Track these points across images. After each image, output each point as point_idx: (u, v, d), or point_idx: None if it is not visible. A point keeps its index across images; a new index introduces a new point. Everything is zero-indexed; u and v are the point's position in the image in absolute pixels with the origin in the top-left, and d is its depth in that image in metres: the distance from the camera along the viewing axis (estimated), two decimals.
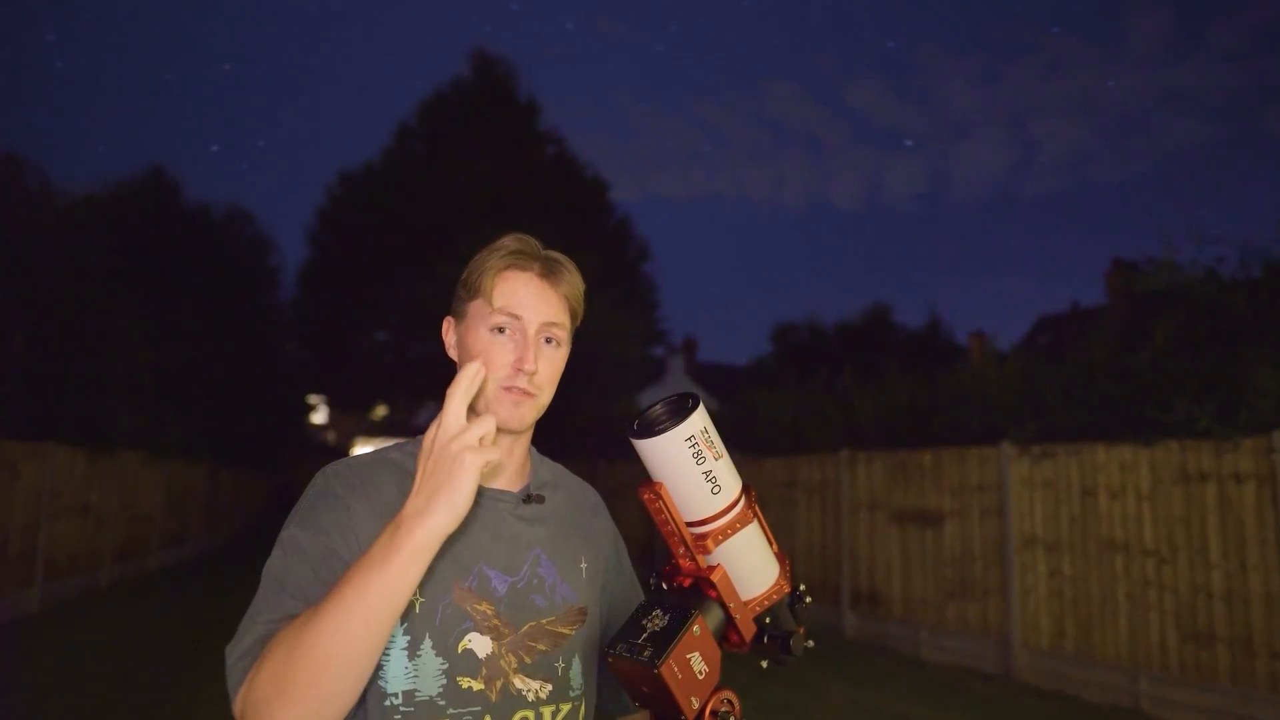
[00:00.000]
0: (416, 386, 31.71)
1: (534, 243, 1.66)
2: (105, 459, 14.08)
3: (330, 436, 55.64)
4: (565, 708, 1.58)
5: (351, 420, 52.02)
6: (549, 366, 1.61)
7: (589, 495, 1.88)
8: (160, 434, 16.90)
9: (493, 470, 1.64)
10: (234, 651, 1.36)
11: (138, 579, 15.69)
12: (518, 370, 1.56)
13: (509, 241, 1.64)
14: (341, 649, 1.24)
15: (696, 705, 1.36)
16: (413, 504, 1.27)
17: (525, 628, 1.56)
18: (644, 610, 1.45)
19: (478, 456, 1.25)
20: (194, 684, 8.14)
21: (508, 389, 1.56)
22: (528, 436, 1.71)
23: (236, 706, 1.31)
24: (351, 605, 1.24)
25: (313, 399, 39.11)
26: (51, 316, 12.85)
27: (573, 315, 1.67)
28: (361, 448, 48.76)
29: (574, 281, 1.66)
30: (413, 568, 1.26)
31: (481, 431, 1.28)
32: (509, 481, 1.68)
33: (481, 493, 1.61)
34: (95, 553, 13.98)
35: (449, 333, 1.69)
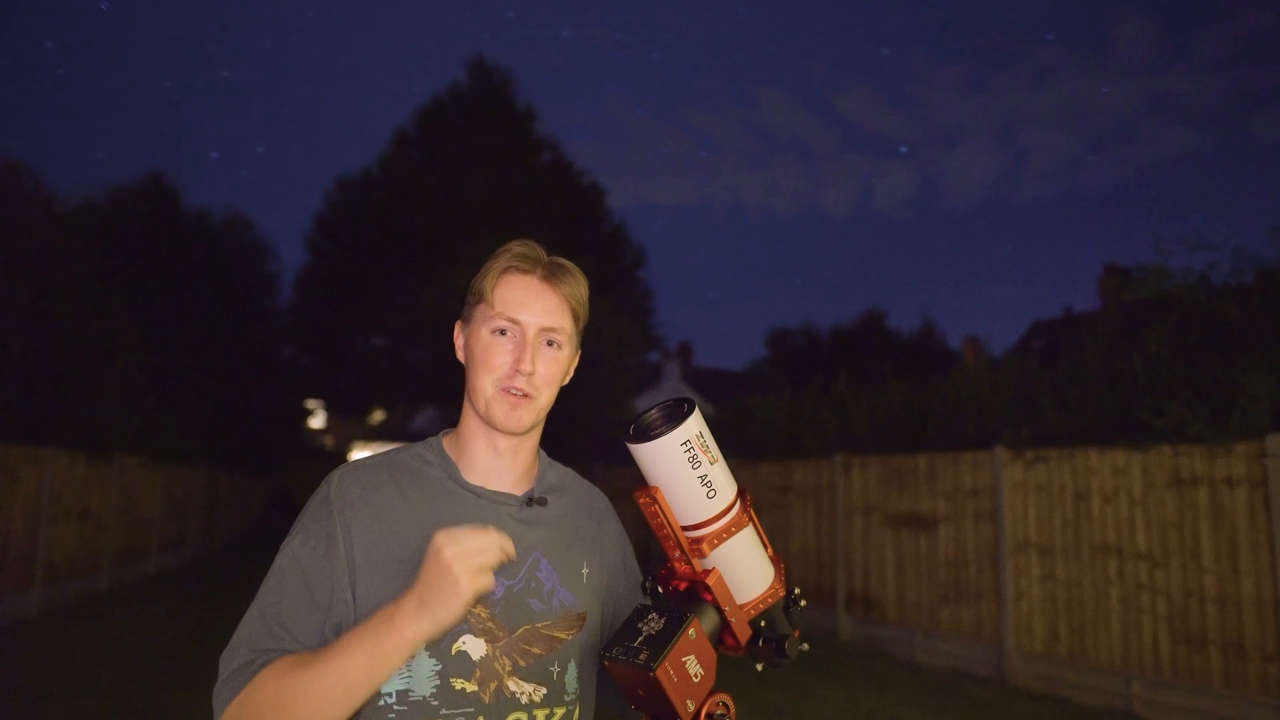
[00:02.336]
0: (414, 391, 31.62)
1: (538, 248, 1.68)
2: (104, 463, 14.06)
3: (328, 441, 55.48)
4: (559, 712, 1.59)
5: (349, 425, 51.84)
6: (548, 367, 1.62)
7: (598, 500, 1.87)
8: (159, 439, 16.85)
9: (492, 474, 1.69)
10: (224, 670, 1.46)
11: (136, 583, 15.65)
12: (515, 371, 1.58)
13: (513, 246, 1.67)
14: (320, 712, 1.36)
15: (692, 708, 1.38)
16: (410, 600, 1.35)
17: (520, 631, 1.57)
18: (640, 613, 1.48)
19: (474, 582, 1.33)
20: (193, 687, 8.13)
21: (505, 390, 1.59)
22: (534, 439, 1.73)
23: None
24: (338, 676, 1.35)
25: (311, 404, 39.05)
26: (50, 322, 12.85)
27: (575, 318, 1.68)
28: (359, 452, 48.70)
29: (576, 285, 1.68)
30: (397, 658, 1.36)
31: (492, 559, 1.35)
32: (513, 484, 1.69)
33: (483, 495, 1.64)
34: (94, 557, 13.96)
35: (458, 336, 1.71)
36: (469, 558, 1.31)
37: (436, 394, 29.04)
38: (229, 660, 1.45)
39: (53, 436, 12.21)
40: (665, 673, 1.34)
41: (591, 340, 23.28)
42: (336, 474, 1.63)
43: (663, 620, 1.43)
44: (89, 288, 14.03)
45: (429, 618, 1.32)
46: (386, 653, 1.34)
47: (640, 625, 1.44)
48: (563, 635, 1.62)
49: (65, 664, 9.23)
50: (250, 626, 1.48)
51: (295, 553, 1.53)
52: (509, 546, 1.37)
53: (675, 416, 1.39)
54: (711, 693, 1.42)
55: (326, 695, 1.35)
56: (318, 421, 51.21)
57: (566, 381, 1.72)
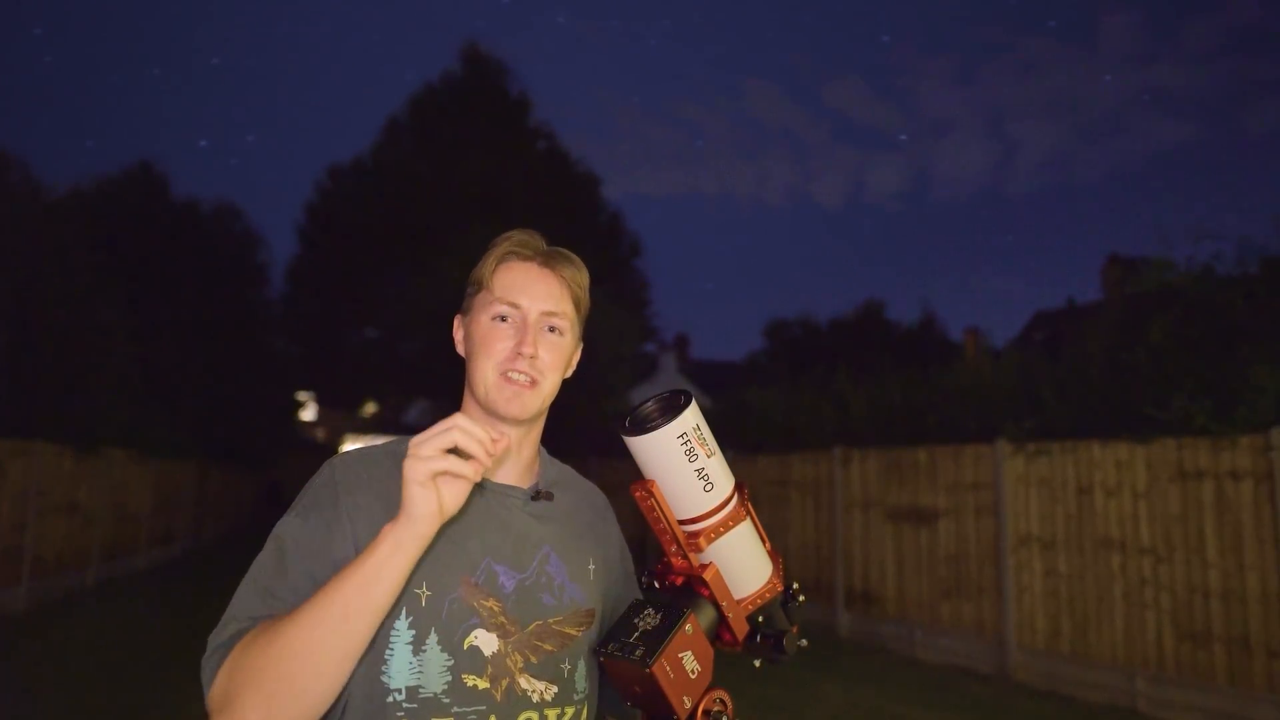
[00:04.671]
0: (406, 383, 31.62)
1: (538, 237, 1.68)
2: (93, 457, 14.01)
3: (319, 434, 55.55)
4: (570, 711, 1.56)
5: (341, 417, 52.00)
6: (551, 353, 1.60)
7: (597, 497, 1.87)
8: (148, 432, 16.86)
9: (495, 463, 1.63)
10: (212, 643, 1.39)
11: (125, 578, 15.65)
12: (517, 354, 1.56)
13: (513, 234, 1.66)
14: (318, 643, 1.28)
15: (689, 705, 1.37)
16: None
17: (532, 626, 1.54)
18: (636, 609, 1.48)
19: (419, 465, 1.29)
20: (182, 683, 8.07)
21: (508, 377, 1.57)
22: (537, 433, 1.71)
23: (210, 696, 1.34)
24: (331, 600, 1.29)
25: (302, 396, 38.96)
26: (38, 313, 12.78)
27: (576, 304, 1.67)
28: (351, 445, 48.65)
29: (577, 271, 1.67)
30: (388, 566, 1.30)
31: (437, 443, 1.30)
32: (518, 478, 1.67)
33: (490, 488, 1.61)
34: (83, 551, 13.92)
35: (458, 329, 1.70)
36: (423, 444, 1.30)
37: (429, 386, 28.98)
38: (220, 632, 1.40)
39: (40, 429, 12.16)
40: (661, 669, 1.34)
41: (588, 331, 23.17)
42: (337, 459, 1.60)
43: (659, 616, 1.42)
44: (76, 278, 13.95)
45: (403, 516, 1.30)
46: (375, 559, 1.30)
47: (636, 621, 1.44)
48: (573, 631, 1.60)
49: (53, 659, 9.21)
50: (242, 598, 1.43)
51: (293, 530, 1.49)
52: (475, 431, 1.32)
53: (672, 409, 1.39)
54: (709, 689, 1.41)
55: (322, 624, 1.29)
56: (309, 414, 51.15)
57: (569, 374, 1.71)
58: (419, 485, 1.29)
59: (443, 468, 1.30)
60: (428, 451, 1.29)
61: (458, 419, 1.32)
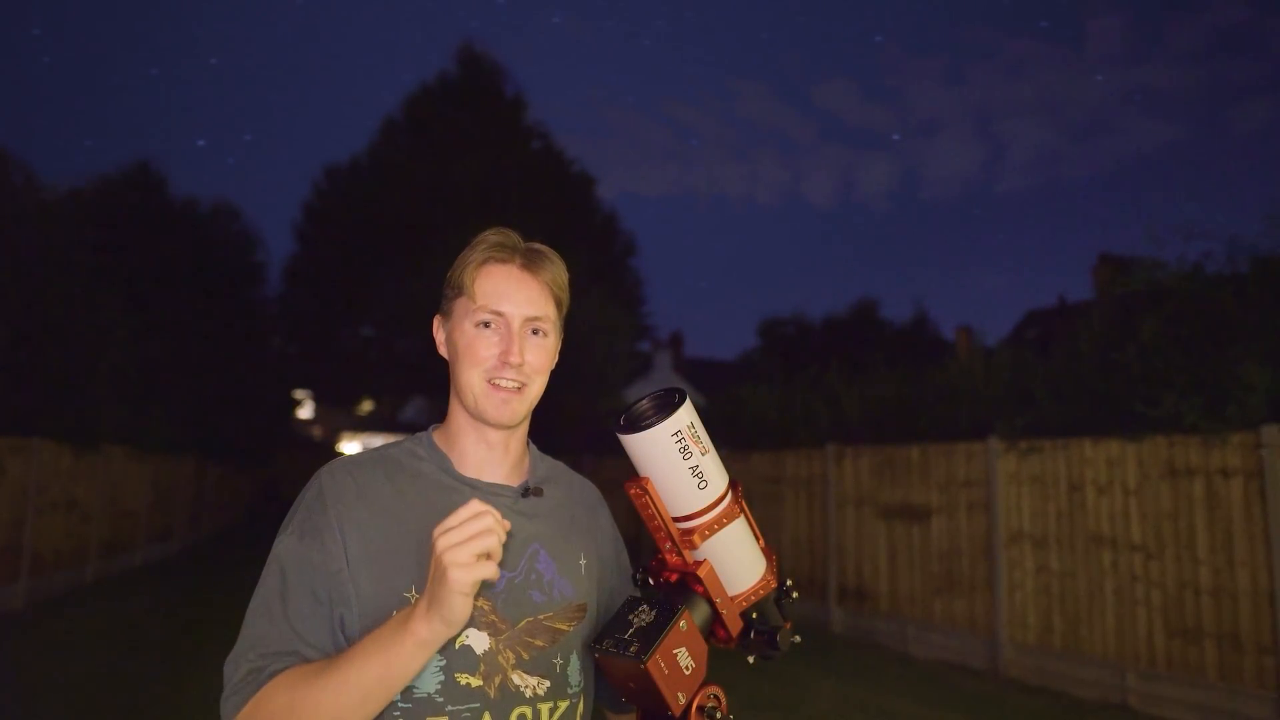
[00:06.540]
0: (403, 381, 31.57)
1: (514, 236, 1.66)
2: (91, 454, 13.99)
3: (316, 432, 55.37)
4: (563, 704, 1.58)
5: (338, 415, 51.82)
6: (536, 356, 1.61)
7: (590, 492, 1.87)
8: (146, 429, 16.80)
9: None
10: (231, 676, 1.42)
11: (123, 575, 15.61)
12: (504, 363, 1.56)
13: (489, 235, 1.64)
14: (336, 716, 1.33)
15: (683, 701, 1.37)
16: (422, 600, 1.32)
17: (523, 624, 1.55)
18: (631, 606, 1.46)
19: (466, 575, 1.25)
20: (179, 680, 8.09)
21: (495, 385, 1.58)
22: (524, 431, 1.71)
23: None
24: (352, 685, 1.32)
25: (299, 394, 38.86)
26: (37, 311, 12.75)
27: (558, 304, 1.66)
28: (348, 443, 48.65)
29: (557, 270, 1.65)
30: (414, 662, 1.33)
31: (476, 548, 1.26)
32: (507, 476, 1.67)
33: (479, 488, 1.62)
34: (81, 548, 13.90)
35: (439, 331, 1.69)
36: (460, 549, 1.26)
37: (425, 384, 28.95)
38: (236, 666, 1.42)
39: (39, 426, 12.15)
40: (656, 665, 1.34)
41: (583, 330, 23.28)
42: (326, 470, 1.60)
43: (654, 612, 1.42)
44: (75, 277, 13.93)
45: (439, 617, 1.29)
46: (401, 655, 1.32)
47: (631, 617, 1.43)
48: (564, 627, 1.60)
49: (51, 657, 9.17)
50: (255, 629, 1.45)
51: (291, 549, 1.51)
52: (505, 524, 1.31)
53: (666, 406, 1.39)
54: (703, 685, 1.41)
55: (340, 703, 1.33)
56: (306, 412, 51.03)
57: (552, 365, 1.70)
58: (462, 596, 1.26)
59: (485, 575, 1.27)
60: (467, 559, 1.25)
61: (489, 513, 1.28)
